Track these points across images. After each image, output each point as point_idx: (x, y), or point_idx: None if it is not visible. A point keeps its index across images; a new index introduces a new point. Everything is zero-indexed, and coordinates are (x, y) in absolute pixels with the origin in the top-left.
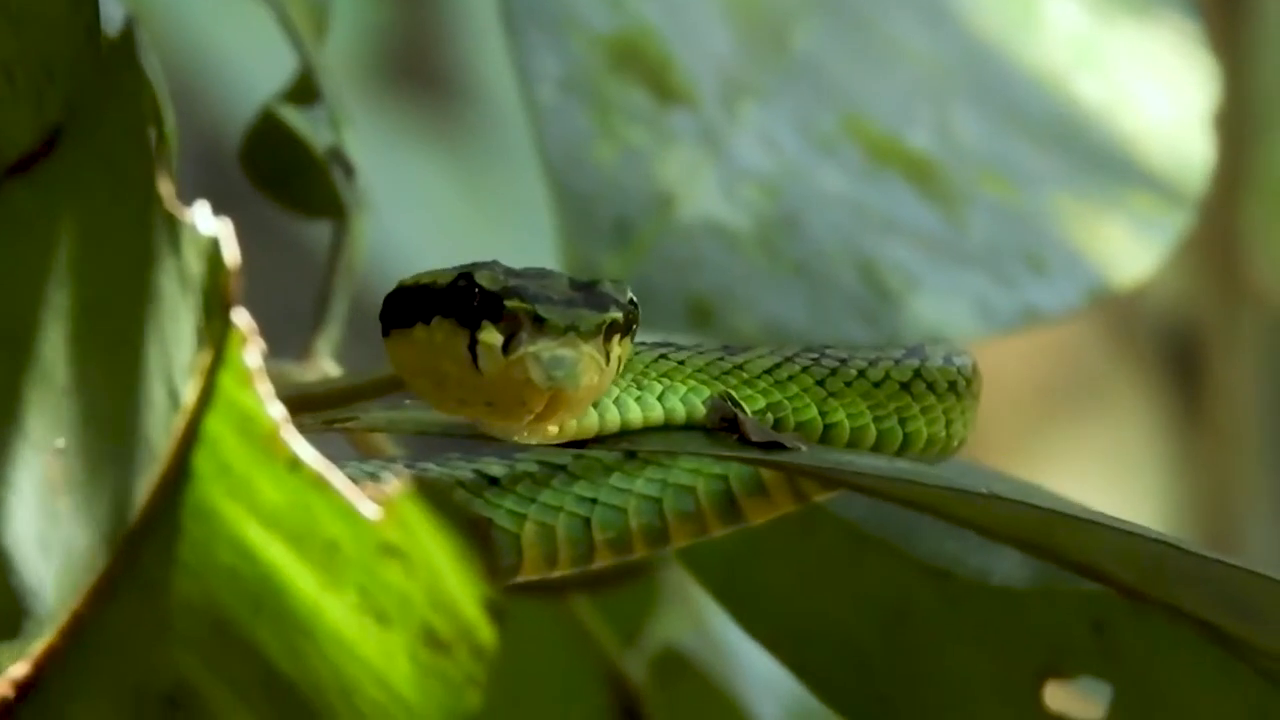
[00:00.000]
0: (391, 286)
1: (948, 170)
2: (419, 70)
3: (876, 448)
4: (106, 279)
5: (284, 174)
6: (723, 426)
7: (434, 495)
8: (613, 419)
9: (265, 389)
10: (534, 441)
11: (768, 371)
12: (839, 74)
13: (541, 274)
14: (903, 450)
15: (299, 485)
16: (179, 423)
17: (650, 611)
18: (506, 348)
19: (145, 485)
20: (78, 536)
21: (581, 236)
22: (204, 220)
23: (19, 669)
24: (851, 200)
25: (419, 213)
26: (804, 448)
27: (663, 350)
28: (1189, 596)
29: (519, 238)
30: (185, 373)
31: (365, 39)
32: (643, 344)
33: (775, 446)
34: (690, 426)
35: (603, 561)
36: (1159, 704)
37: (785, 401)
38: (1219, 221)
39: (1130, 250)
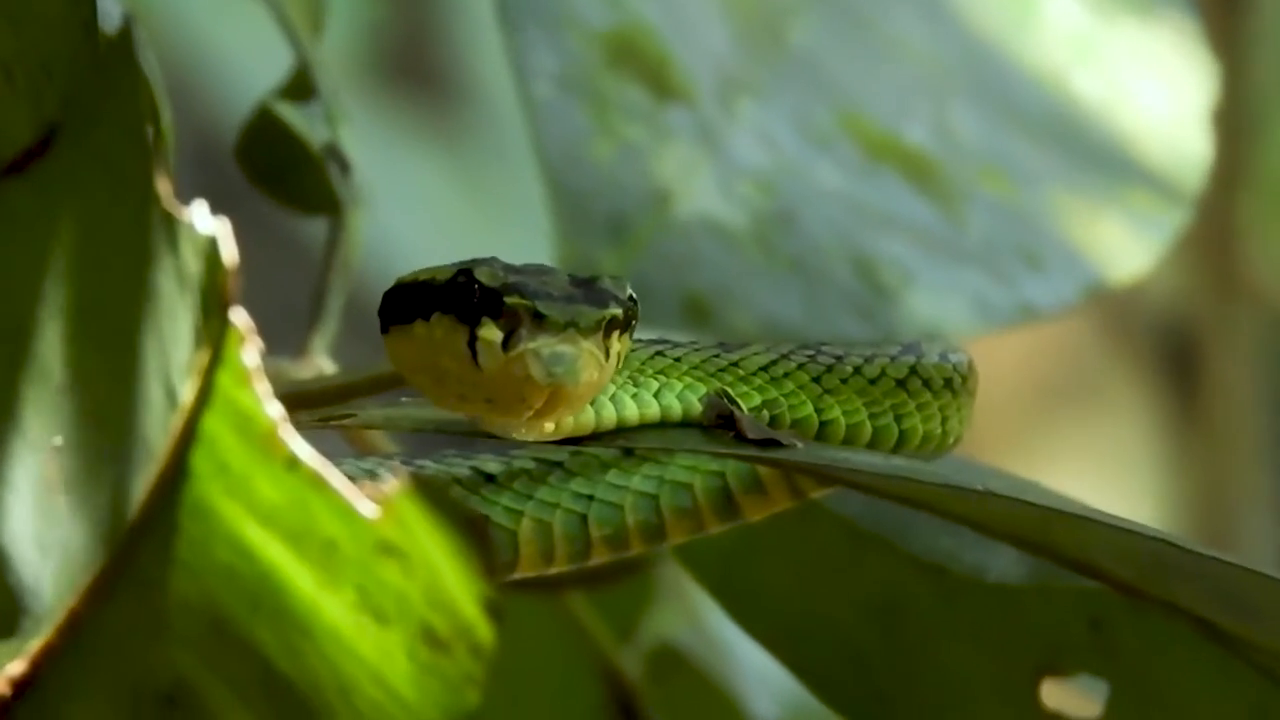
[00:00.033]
0: (388, 283)
1: (945, 167)
2: (415, 67)
3: (872, 444)
4: (104, 277)
5: (280, 170)
6: (719, 423)
7: (432, 493)
8: (609, 416)
9: (263, 388)
10: (532, 438)
11: (763, 368)
12: (836, 71)
13: (541, 270)
14: (898, 447)
15: (297, 484)
16: (177, 421)
17: (646, 608)
18: (506, 344)
19: (143, 484)
20: (75, 535)
21: (578, 233)
22: (202, 219)
23: (16, 667)
24: (848, 197)
25: (415, 209)
26: (800, 444)
27: (659, 347)
28: (1186, 593)
29: (515, 234)
30: (183, 371)
31: (362, 35)
32: (639, 341)
33: (771, 443)
34: (687, 423)
35: (599, 558)
36: (1156, 701)
37: (781, 398)
38: (1216, 219)
39: (1127, 247)
